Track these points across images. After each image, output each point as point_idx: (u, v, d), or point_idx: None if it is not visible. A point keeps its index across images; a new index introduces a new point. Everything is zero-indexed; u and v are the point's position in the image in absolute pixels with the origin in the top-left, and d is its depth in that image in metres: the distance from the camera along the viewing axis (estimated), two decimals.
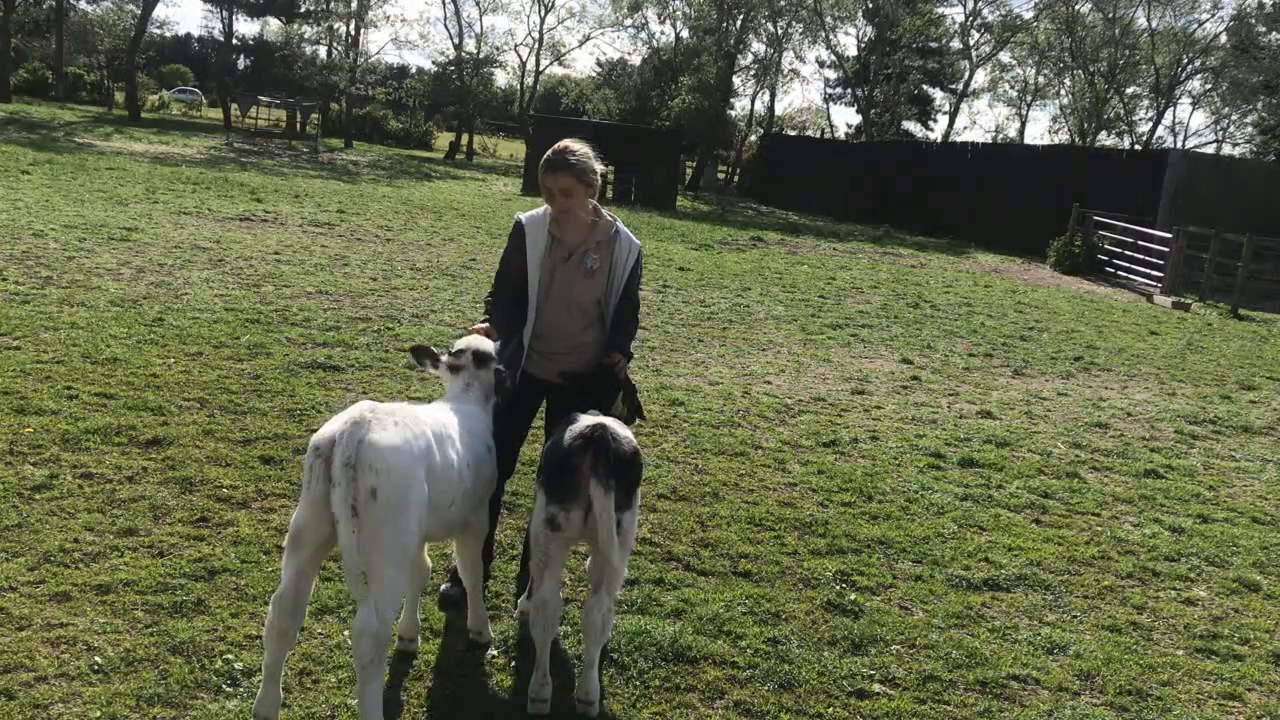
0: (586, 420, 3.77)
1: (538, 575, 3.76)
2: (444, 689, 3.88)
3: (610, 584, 3.75)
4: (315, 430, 3.49)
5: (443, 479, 3.56)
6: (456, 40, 51.94)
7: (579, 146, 4.31)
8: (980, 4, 51.07)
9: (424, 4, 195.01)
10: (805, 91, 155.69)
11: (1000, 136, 59.62)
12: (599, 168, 4.34)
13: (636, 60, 55.11)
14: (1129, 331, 14.84)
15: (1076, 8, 47.29)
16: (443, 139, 53.43)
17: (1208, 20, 75.48)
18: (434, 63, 56.48)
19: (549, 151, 4.31)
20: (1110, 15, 46.47)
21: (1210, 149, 50.11)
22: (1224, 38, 47.20)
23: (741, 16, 45.38)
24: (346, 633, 4.07)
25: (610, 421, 3.77)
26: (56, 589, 4.19)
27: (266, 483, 5.56)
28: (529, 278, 4.36)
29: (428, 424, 3.56)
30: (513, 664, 4.10)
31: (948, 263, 22.80)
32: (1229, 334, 15.84)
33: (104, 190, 17.45)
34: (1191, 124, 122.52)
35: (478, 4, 59.20)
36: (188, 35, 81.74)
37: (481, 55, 51.89)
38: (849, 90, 55.59)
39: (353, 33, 51.35)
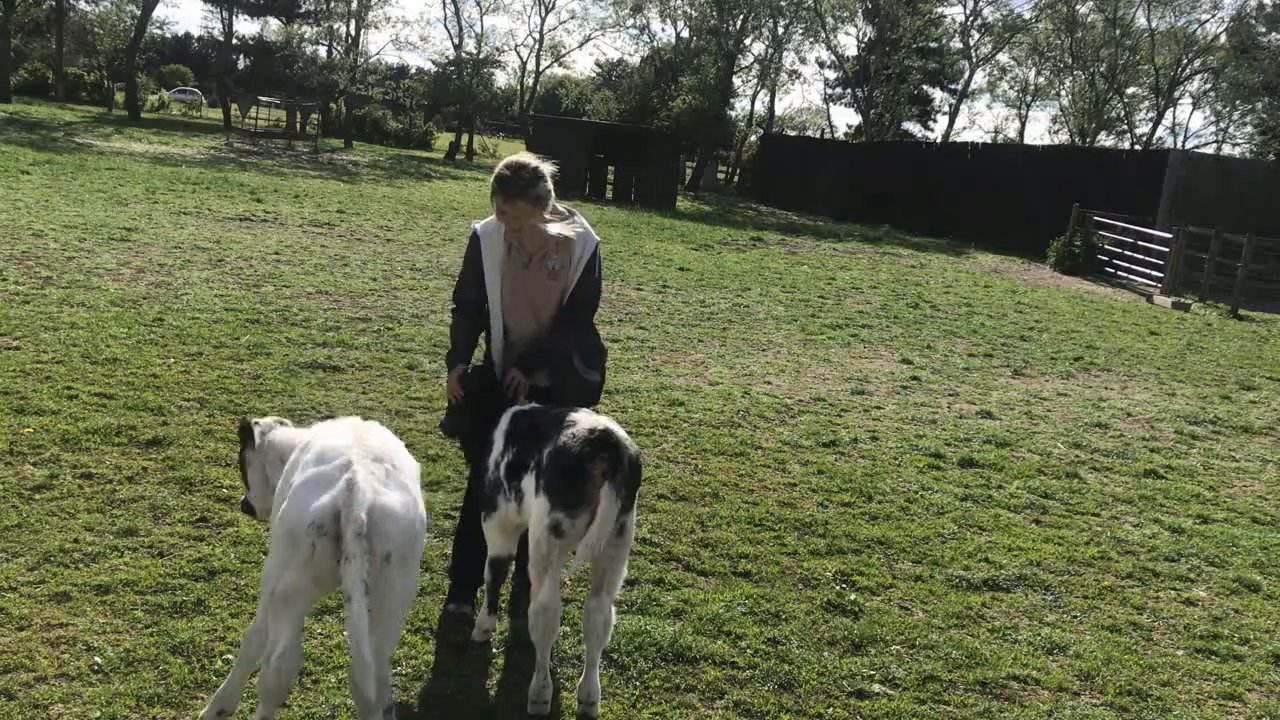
0: (586, 422, 3.70)
1: (537, 580, 3.70)
2: (444, 689, 3.87)
3: (611, 586, 3.73)
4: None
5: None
6: (457, 40, 52.04)
7: (529, 162, 4.17)
8: (981, 4, 51.15)
9: (424, 4, 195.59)
10: (805, 92, 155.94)
11: (1000, 137, 59.70)
12: (548, 174, 4.19)
13: (636, 60, 55.21)
14: (1129, 332, 14.84)
15: (1076, 8, 47.32)
16: (443, 139, 53.43)
17: (1208, 20, 75.41)
18: (434, 63, 56.61)
19: (500, 169, 4.17)
20: (1110, 15, 46.48)
21: (1210, 149, 50.17)
22: (1224, 38, 47.26)
23: (742, 17, 45.39)
24: (347, 633, 4.05)
25: (614, 425, 3.70)
26: (56, 589, 4.18)
27: None
28: (488, 288, 4.27)
29: (397, 449, 3.35)
30: (513, 664, 4.10)
31: (948, 263, 22.80)
32: (1229, 334, 15.84)
33: (104, 190, 17.45)
34: (1191, 124, 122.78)
35: (478, 4, 59.21)
36: (188, 35, 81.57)
37: (482, 56, 51.91)
38: (849, 90, 55.59)
39: (353, 33, 51.42)
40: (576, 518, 3.57)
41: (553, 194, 4.23)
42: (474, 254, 4.32)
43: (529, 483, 3.77)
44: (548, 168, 4.20)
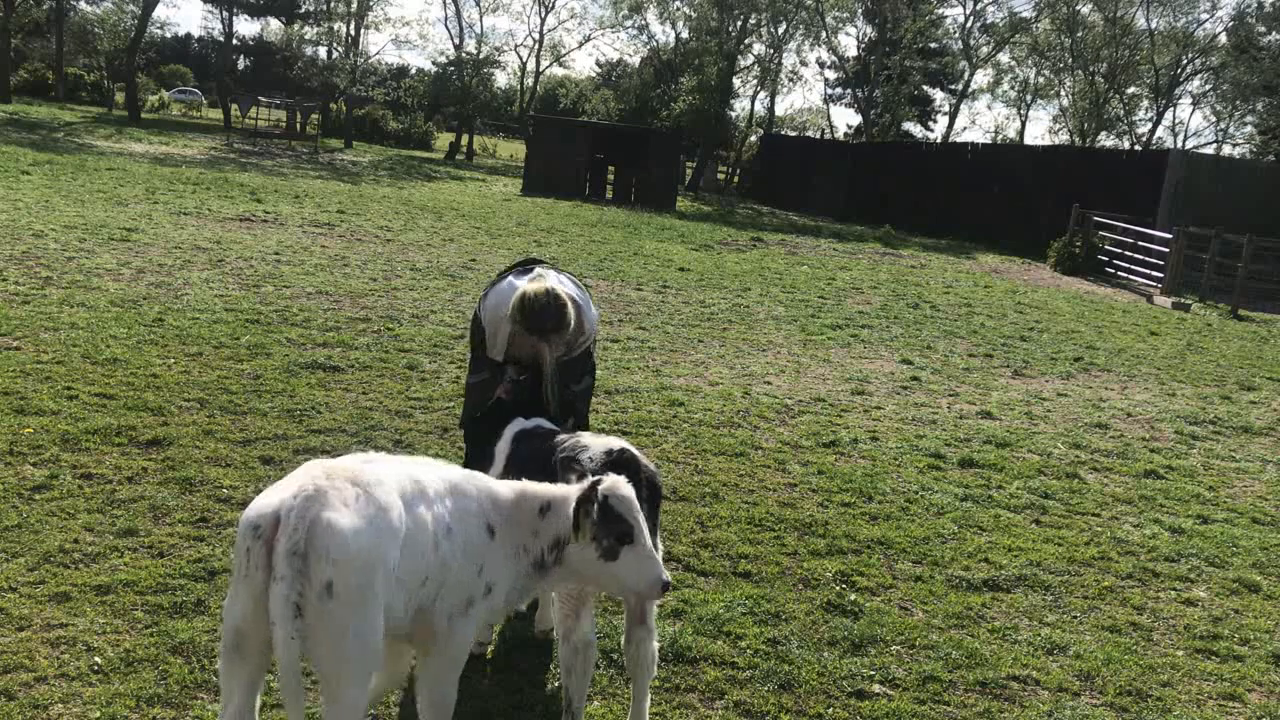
0: (600, 444, 3.52)
1: (572, 616, 3.43)
2: None
3: (650, 611, 3.53)
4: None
5: (413, 546, 2.86)
6: (457, 40, 52.03)
7: (553, 294, 4.04)
8: (982, 4, 51.17)
9: (424, 4, 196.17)
10: (805, 92, 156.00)
11: (1000, 137, 59.71)
12: (565, 295, 4.10)
13: (636, 61, 55.22)
14: (1129, 332, 14.84)
15: (1077, 8, 47.34)
16: (443, 139, 53.43)
17: (1208, 20, 75.52)
18: (434, 63, 56.66)
19: (525, 305, 4.04)
20: (1110, 15, 46.50)
21: (1210, 149, 50.20)
22: (1224, 38, 47.30)
23: (743, 18, 45.39)
24: (278, 670, 3.57)
25: (627, 444, 3.57)
26: (56, 589, 4.18)
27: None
28: (494, 356, 4.40)
29: (396, 484, 2.89)
30: (513, 664, 4.10)
31: (948, 263, 22.80)
32: (1229, 334, 15.84)
33: (104, 190, 17.45)
34: (1191, 124, 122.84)
35: (478, 4, 59.20)
36: (188, 36, 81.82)
37: (482, 56, 51.91)
38: (849, 91, 55.66)
39: (353, 33, 51.47)
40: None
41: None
42: (478, 339, 4.44)
43: None
44: (564, 286, 4.16)
